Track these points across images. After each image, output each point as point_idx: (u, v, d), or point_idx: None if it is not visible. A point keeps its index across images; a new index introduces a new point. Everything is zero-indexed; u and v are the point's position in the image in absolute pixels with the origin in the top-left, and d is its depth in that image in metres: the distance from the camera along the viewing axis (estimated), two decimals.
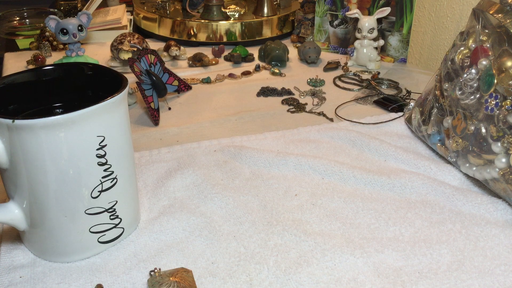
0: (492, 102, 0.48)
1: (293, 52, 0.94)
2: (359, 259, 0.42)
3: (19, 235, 0.44)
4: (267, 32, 1.00)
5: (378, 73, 0.84)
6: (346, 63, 0.88)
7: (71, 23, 0.79)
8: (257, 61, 0.91)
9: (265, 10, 1.01)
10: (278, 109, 0.73)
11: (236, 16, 1.00)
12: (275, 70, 0.85)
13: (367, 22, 0.83)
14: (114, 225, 0.43)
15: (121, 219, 0.43)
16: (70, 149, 0.38)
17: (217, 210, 0.49)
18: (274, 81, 0.83)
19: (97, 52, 0.93)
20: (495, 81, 0.48)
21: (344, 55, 0.93)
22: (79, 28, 0.79)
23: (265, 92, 0.78)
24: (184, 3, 1.02)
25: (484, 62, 0.50)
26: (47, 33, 0.94)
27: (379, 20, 0.85)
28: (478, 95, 0.51)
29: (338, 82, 0.82)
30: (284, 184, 0.53)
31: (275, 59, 0.88)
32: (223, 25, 0.97)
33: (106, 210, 0.41)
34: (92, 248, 0.42)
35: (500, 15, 0.50)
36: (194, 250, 0.44)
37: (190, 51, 0.92)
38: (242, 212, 0.49)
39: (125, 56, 0.82)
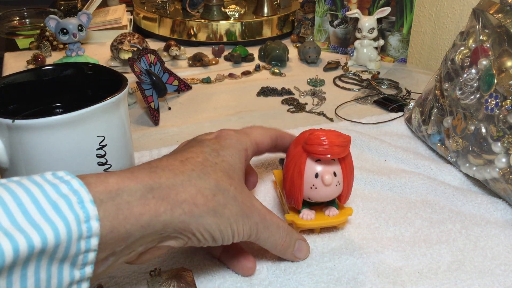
0: (492, 102, 0.48)
1: (293, 52, 0.94)
2: (358, 259, 0.42)
3: None
4: (267, 32, 1.00)
5: (378, 73, 0.84)
6: (346, 63, 0.88)
7: (71, 23, 0.79)
8: (257, 61, 0.91)
9: (265, 10, 1.01)
10: (278, 109, 0.73)
11: (236, 16, 1.00)
12: (275, 70, 0.85)
13: (367, 22, 0.83)
14: None
15: None
16: (70, 149, 0.38)
17: None
18: (274, 81, 0.83)
19: (97, 52, 0.93)
20: (495, 81, 0.48)
21: (344, 55, 0.93)
22: (79, 28, 0.79)
23: (265, 92, 0.78)
24: (184, 3, 1.02)
25: (484, 62, 0.50)
26: (47, 33, 0.94)
27: (379, 20, 0.85)
28: (478, 95, 0.51)
29: (338, 82, 0.82)
30: None
31: (275, 59, 0.88)
32: (223, 25, 0.97)
33: None
34: None
35: (500, 15, 0.50)
36: (194, 250, 0.43)
37: (190, 51, 0.92)
38: None
39: (125, 56, 0.82)
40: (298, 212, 0.44)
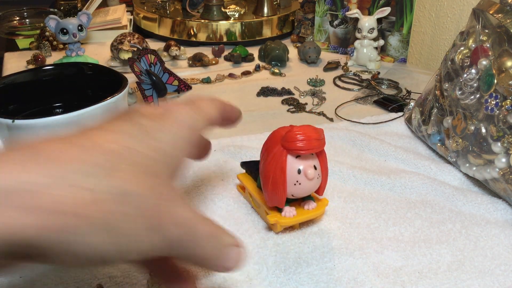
0: (492, 102, 0.48)
1: (293, 52, 0.94)
2: (358, 259, 0.42)
3: None
4: (267, 32, 1.00)
5: (378, 73, 0.84)
6: (346, 63, 0.88)
7: (71, 23, 0.79)
8: (257, 61, 0.91)
9: (265, 10, 1.01)
10: (278, 109, 0.73)
11: (236, 16, 1.00)
12: (275, 70, 0.85)
13: (367, 22, 0.83)
14: None
15: None
16: None
17: (217, 210, 0.49)
18: (274, 81, 0.83)
19: (97, 52, 0.93)
20: (495, 81, 0.48)
21: (344, 55, 0.93)
22: (79, 28, 0.79)
23: (265, 92, 0.78)
24: (184, 3, 1.02)
25: (484, 62, 0.50)
26: (47, 33, 0.94)
27: (379, 20, 0.85)
28: (478, 95, 0.51)
29: (338, 82, 0.82)
30: None
31: (275, 59, 0.88)
32: (223, 25, 0.97)
33: None
34: None
35: (500, 15, 0.50)
36: None
37: (190, 51, 0.92)
38: (242, 212, 0.49)
39: (125, 56, 0.82)
40: (279, 211, 0.44)
